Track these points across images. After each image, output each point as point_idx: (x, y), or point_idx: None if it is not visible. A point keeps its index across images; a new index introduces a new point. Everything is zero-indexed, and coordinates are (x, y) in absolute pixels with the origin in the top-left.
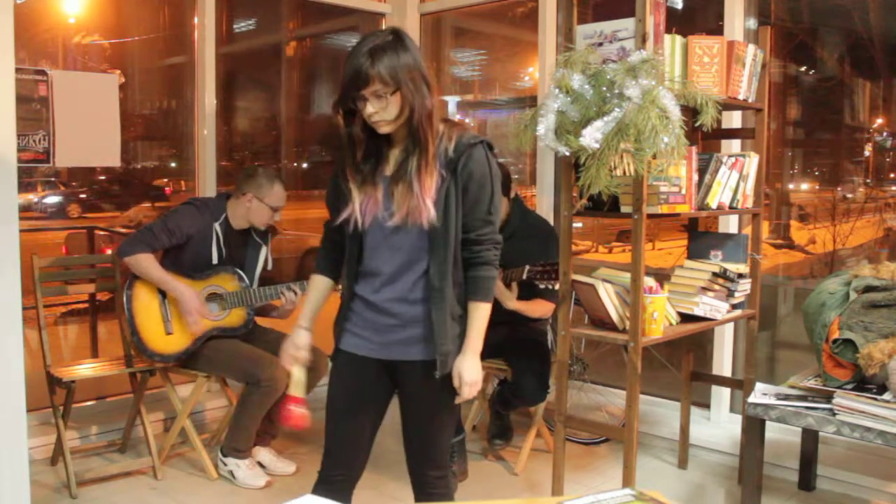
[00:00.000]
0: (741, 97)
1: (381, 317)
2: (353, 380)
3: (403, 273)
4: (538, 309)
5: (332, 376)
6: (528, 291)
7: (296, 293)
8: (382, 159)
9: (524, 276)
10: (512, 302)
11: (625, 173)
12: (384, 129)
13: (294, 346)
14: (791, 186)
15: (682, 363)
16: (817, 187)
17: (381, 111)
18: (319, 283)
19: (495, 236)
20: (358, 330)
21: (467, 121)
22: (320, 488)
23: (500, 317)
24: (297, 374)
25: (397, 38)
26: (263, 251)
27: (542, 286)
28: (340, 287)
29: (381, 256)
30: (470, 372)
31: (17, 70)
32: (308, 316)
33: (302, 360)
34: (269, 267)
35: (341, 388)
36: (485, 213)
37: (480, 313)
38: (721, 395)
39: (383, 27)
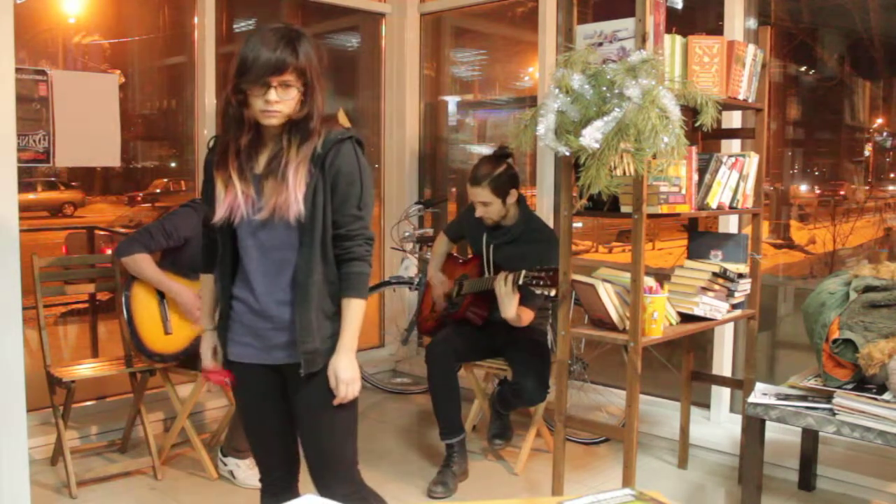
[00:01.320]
0: (741, 97)
1: (258, 320)
2: (249, 388)
3: (276, 272)
4: (525, 317)
5: (236, 388)
6: (521, 296)
7: None
8: (253, 156)
9: (521, 281)
10: (513, 308)
11: (625, 173)
12: (272, 121)
13: (210, 348)
14: (791, 186)
15: (682, 363)
16: (817, 188)
17: (283, 102)
18: (210, 283)
19: (366, 231)
20: (239, 337)
21: (467, 121)
22: (265, 497)
23: (500, 317)
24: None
25: (307, 36)
26: None
27: (537, 292)
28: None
29: (254, 255)
30: (345, 370)
31: (17, 70)
32: (210, 316)
33: (219, 360)
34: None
35: (242, 398)
36: (355, 208)
37: (354, 310)
38: (721, 395)
39: (383, 27)
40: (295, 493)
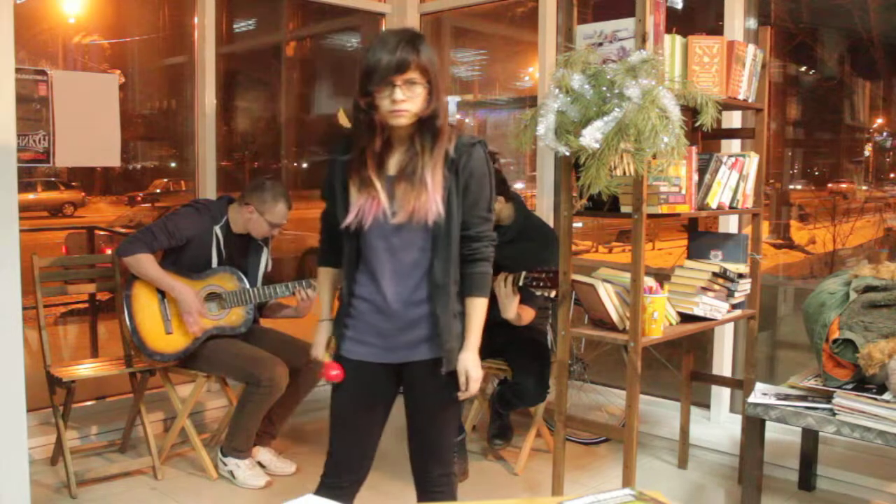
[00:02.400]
0: (741, 97)
1: (386, 320)
2: (360, 387)
3: (407, 274)
4: (526, 317)
5: (338, 384)
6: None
7: (313, 288)
8: (383, 159)
9: (521, 283)
10: (514, 309)
11: (625, 173)
12: (401, 121)
13: (324, 339)
14: (791, 186)
15: (682, 363)
16: (817, 187)
17: (409, 100)
18: (328, 275)
19: (492, 234)
20: (361, 336)
21: (467, 121)
22: (324, 493)
23: (500, 317)
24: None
25: (424, 37)
26: (264, 253)
27: (537, 293)
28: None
29: (383, 257)
30: (475, 368)
31: (17, 70)
32: (328, 307)
33: (331, 351)
34: (269, 268)
35: (347, 395)
36: (484, 210)
37: (480, 309)
38: (721, 395)
39: (383, 27)
40: (352, 501)
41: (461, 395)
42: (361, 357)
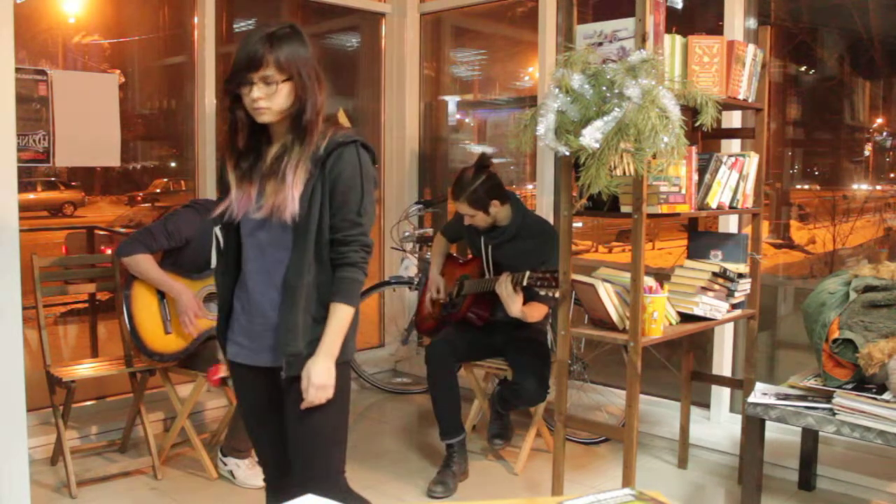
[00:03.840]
0: (741, 97)
1: (252, 320)
2: (245, 389)
3: (270, 273)
4: (535, 314)
5: (234, 386)
6: (525, 295)
7: None
8: (262, 156)
9: (524, 282)
10: (518, 307)
11: (625, 173)
12: (264, 118)
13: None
14: (791, 186)
15: (682, 363)
16: (817, 187)
17: (267, 98)
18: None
19: (363, 238)
20: (235, 336)
21: (467, 121)
22: (270, 495)
23: (501, 317)
24: None
25: (296, 31)
26: None
27: (542, 293)
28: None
29: (250, 254)
30: (318, 374)
31: (17, 70)
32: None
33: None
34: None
35: (239, 398)
36: (353, 213)
37: (339, 315)
38: (721, 395)
39: (383, 27)
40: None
41: (302, 405)
42: (236, 358)
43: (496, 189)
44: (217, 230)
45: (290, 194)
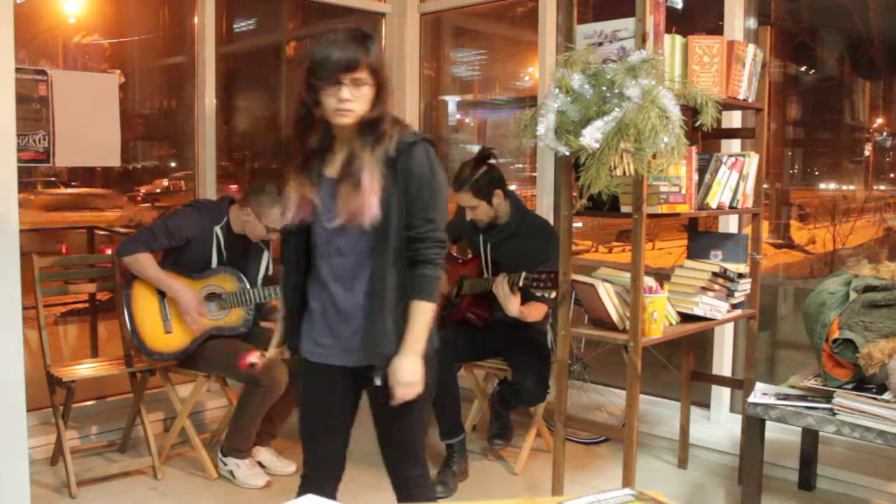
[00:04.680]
0: (741, 97)
1: (337, 321)
2: (318, 387)
3: (352, 276)
4: (534, 313)
5: (302, 385)
6: (523, 296)
7: None
8: (327, 159)
9: (520, 283)
10: (515, 307)
11: (625, 173)
12: (345, 120)
13: (283, 334)
14: (791, 186)
15: (682, 363)
16: (817, 187)
17: (356, 100)
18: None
19: (437, 234)
20: (317, 336)
21: (467, 121)
22: (305, 490)
23: (500, 317)
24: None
25: (375, 36)
26: (265, 255)
27: (538, 294)
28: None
29: (327, 259)
30: (404, 372)
31: (17, 70)
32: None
33: (286, 351)
34: (271, 272)
35: (308, 395)
36: (427, 211)
37: (422, 313)
38: (721, 395)
39: (384, 27)
40: (332, 498)
41: (392, 402)
42: (317, 358)
43: (499, 180)
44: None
45: (369, 200)
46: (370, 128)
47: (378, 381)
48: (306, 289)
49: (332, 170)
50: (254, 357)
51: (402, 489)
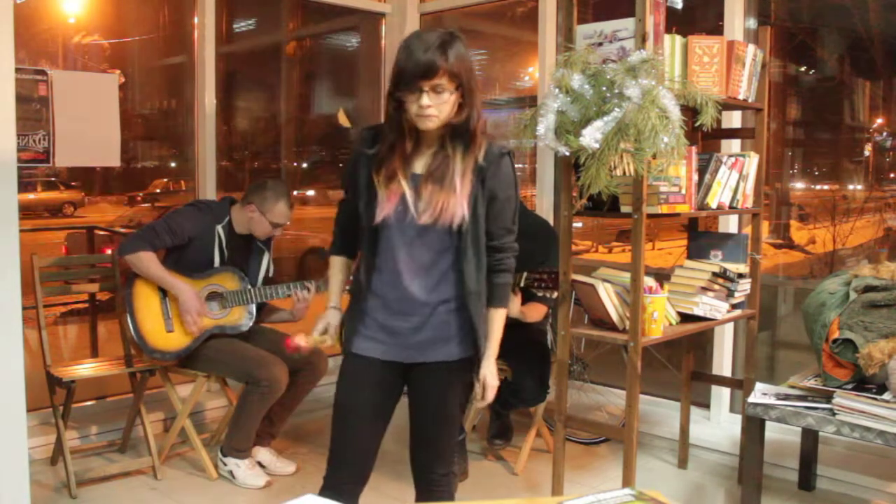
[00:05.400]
0: (741, 97)
1: (399, 318)
2: (367, 384)
3: (426, 274)
4: (534, 314)
5: (344, 380)
6: (523, 296)
7: (308, 290)
8: (411, 158)
9: (522, 284)
10: (515, 307)
11: (625, 173)
12: (430, 125)
13: (328, 324)
14: (791, 186)
15: (682, 363)
16: (817, 187)
17: (436, 106)
18: (340, 264)
19: (515, 245)
20: (371, 332)
21: None
22: (327, 493)
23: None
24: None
25: (459, 38)
26: (266, 256)
27: (539, 294)
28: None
29: (403, 255)
30: (494, 376)
31: (17, 70)
32: (337, 295)
33: (331, 340)
34: (271, 273)
35: (354, 393)
36: (509, 221)
37: (501, 319)
38: (721, 395)
39: (383, 27)
40: (356, 500)
41: (478, 404)
42: (368, 353)
43: None
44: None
45: (460, 201)
46: (459, 130)
47: (476, 380)
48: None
49: (418, 167)
50: (301, 339)
51: (426, 488)
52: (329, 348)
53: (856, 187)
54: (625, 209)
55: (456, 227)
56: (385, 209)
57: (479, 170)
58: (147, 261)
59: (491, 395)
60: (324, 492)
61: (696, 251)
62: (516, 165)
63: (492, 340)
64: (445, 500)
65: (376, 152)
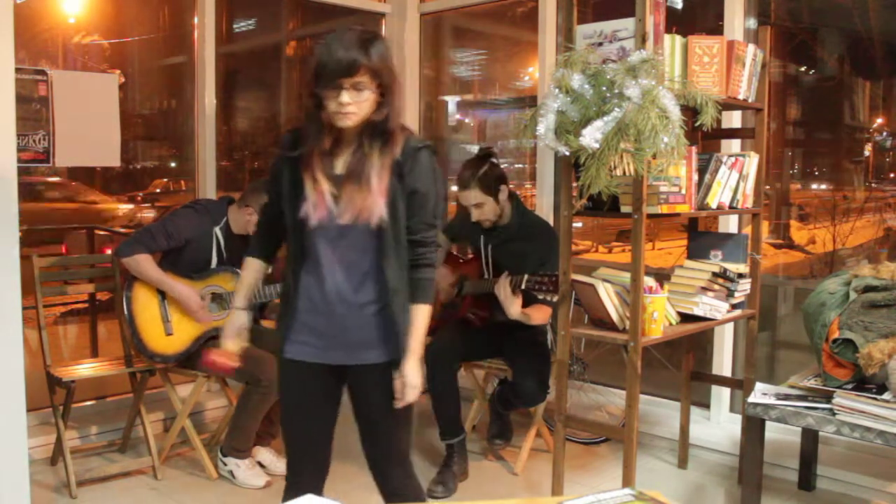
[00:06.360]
0: (741, 97)
1: (326, 320)
2: (303, 389)
3: (351, 275)
4: (538, 316)
5: (282, 385)
6: (525, 298)
7: None
8: (331, 157)
9: (523, 286)
10: (516, 309)
11: (625, 173)
12: (348, 123)
13: (235, 328)
14: (791, 186)
15: (682, 363)
16: (817, 187)
17: (356, 104)
18: (254, 266)
19: (437, 239)
20: (300, 335)
21: (467, 121)
22: (290, 493)
23: (501, 318)
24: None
25: (382, 38)
26: None
27: (540, 297)
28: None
29: (328, 256)
30: (414, 375)
31: (17, 70)
32: (244, 296)
33: (243, 342)
34: (269, 270)
35: (292, 396)
36: (430, 216)
37: (423, 315)
38: (721, 395)
39: (383, 27)
40: (320, 493)
41: (398, 404)
42: (298, 356)
43: (503, 177)
44: (217, 230)
45: (377, 200)
46: (377, 128)
47: (396, 375)
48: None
49: (339, 167)
50: (217, 355)
51: (389, 491)
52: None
53: (856, 187)
54: (625, 209)
55: (375, 226)
56: (308, 210)
57: (397, 165)
58: (144, 263)
59: (411, 394)
60: (288, 492)
61: (696, 251)
62: (518, 165)
63: (414, 338)
64: (412, 501)
65: (298, 154)
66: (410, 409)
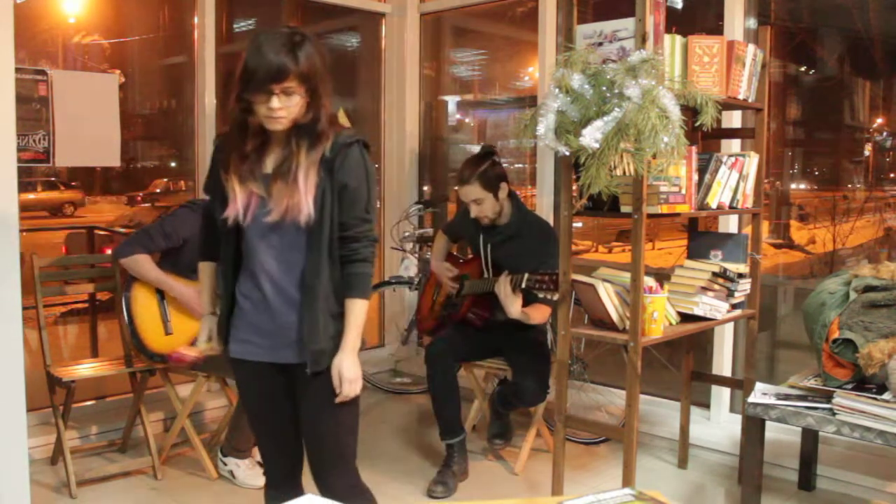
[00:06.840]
0: (741, 97)
1: (265, 319)
2: (253, 386)
3: (285, 273)
4: (537, 315)
5: (237, 385)
6: (525, 297)
7: None
8: (261, 157)
9: (523, 285)
10: (516, 308)
11: (625, 173)
12: (278, 127)
13: (206, 333)
14: (791, 186)
15: (682, 363)
16: (817, 187)
17: (286, 108)
18: (208, 269)
19: (371, 234)
20: (243, 335)
21: (467, 121)
22: (271, 493)
23: (501, 318)
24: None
25: (310, 38)
26: None
27: (540, 295)
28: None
29: (261, 256)
30: (349, 369)
31: (17, 70)
32: (211, 300)
33: (216, 345)
34: None
35: (246, 396)
36: (362, 211)
37: (358, 310)
38: (721, 395)
39: (383, 27)
40: (299, 491)
41: (337, 399)
42: (244, 356)
43: (503, 175)
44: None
45: (305, 198)
46: (305, 130)
47: (309, 371)
48: (236, 286)
49: (268, 166)
50: (186, 350)
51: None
52: (214, 350)
53: (856, 187)
54: (625, 209)
55: (304, 224)
56: (239, 210)
57: (326, 161)
58: (143, 264)
59: (349, 388)
60: (268, 490)
61: (696, 251)
62: (518, 165)
63: (349, 332)
64: None
65: (227, 155)
66: (354, 412)
